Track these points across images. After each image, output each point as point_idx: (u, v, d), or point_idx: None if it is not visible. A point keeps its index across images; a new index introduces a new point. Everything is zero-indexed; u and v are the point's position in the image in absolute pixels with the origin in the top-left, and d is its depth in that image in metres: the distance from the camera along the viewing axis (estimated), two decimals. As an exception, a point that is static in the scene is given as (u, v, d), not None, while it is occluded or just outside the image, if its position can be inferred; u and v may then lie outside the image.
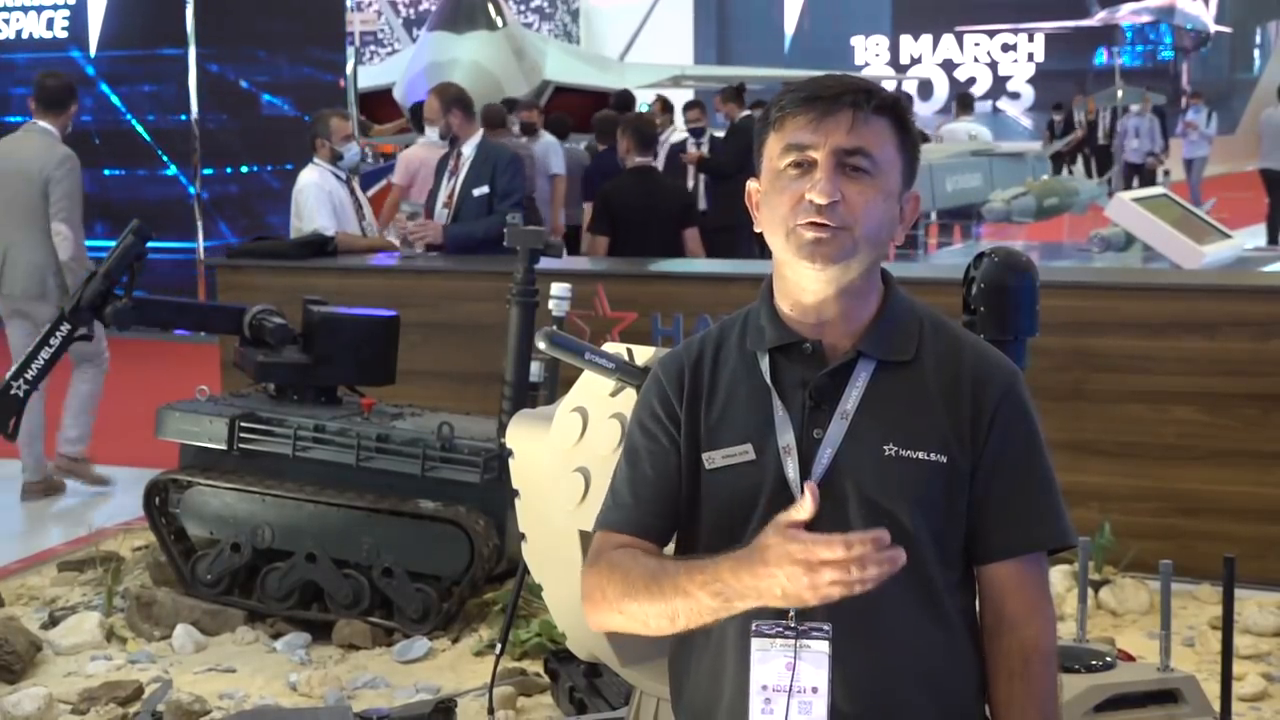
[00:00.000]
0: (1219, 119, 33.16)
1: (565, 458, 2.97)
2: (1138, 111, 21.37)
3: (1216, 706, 3.39)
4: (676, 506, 2.04)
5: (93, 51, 12.28)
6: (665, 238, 7.49)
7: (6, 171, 6.88)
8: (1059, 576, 4.93)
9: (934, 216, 14.72)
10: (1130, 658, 3.56)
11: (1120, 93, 20.28)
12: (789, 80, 2.08)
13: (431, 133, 7.65)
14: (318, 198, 7.25)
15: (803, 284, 1.98)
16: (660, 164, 9.50)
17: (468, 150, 7.16)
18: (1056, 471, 2.02)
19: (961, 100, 19.31)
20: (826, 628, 1.89)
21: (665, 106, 13.87)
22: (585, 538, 2.94)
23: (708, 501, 2.01)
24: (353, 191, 7.52)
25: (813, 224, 1.92)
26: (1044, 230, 15.65)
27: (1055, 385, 5.38)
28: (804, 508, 1.78)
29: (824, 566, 1.73)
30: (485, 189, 7.08)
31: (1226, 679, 3.50)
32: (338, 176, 7.35)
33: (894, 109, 1.97)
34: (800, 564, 1.74)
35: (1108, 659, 3.26)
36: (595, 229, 7.81)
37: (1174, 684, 3.26)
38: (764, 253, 2.04)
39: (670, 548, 2.09)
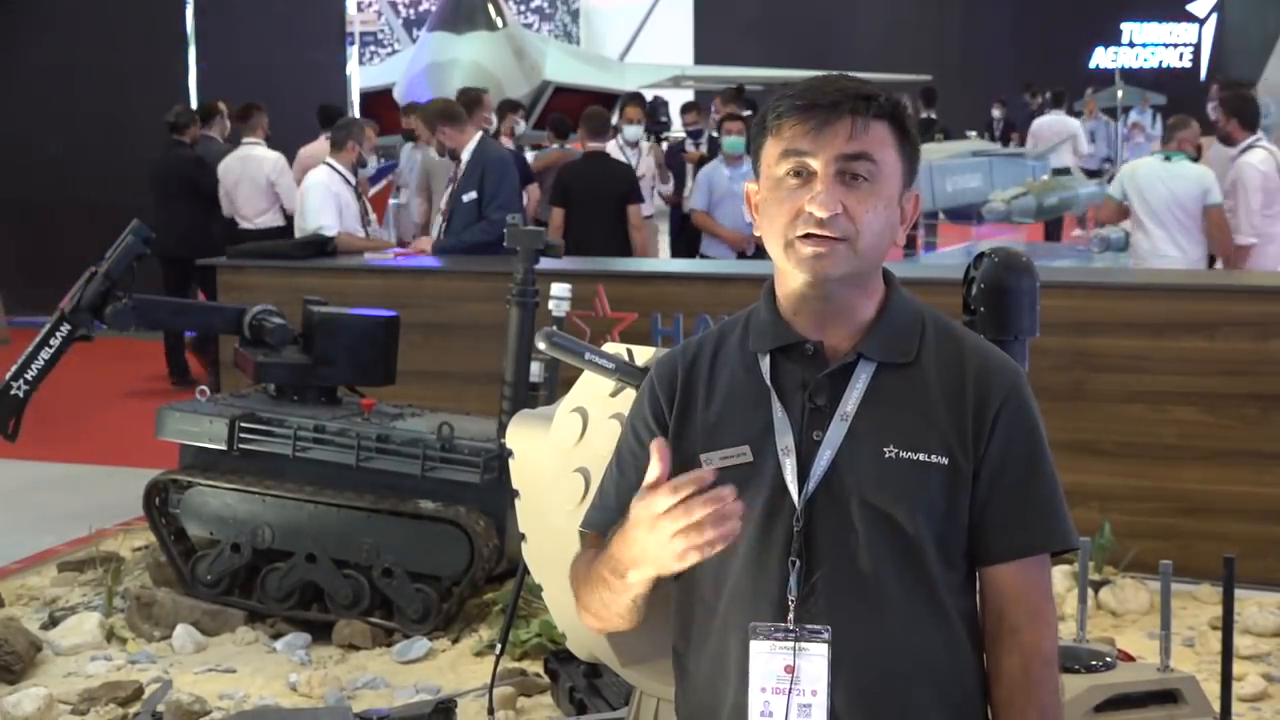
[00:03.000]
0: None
1: (565, 458, 2.97)
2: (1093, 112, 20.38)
3: (1216, 706, 3.39)
4: None
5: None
6: (612, 211, 8.60)
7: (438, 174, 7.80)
8: (1060, 576, 4.92)
9: (941, 216, 14.65)
10: (1130, 658, 3.55)
11: (1120, 93, 20.10)
12: (788, 81, 2.06)
13: (431, 150, 7.73)
14: (323, 198, 7.30)
15: (803, 292, 1.97)
16: (642, 159, 10.61)
17: (465, 156, 7.21)
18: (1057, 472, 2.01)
19: (1055, 97, 18.56)
20: (825, 630, 1.89)
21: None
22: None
23: None
24: (359, 195, 7.57)
25: (812, 237, 1.90)
26: (1044, 230, 15.63)
27: (1055, 385, 5.38)
28: (654, 468, 1.77)
29: (661, 519, 1.73)
30: (474, 194, 7.11)
31: (1226, 679, 3.50)
32: (346, 179, 7.40)
33: (893, 113, 1.95)
34: (645, 522, 1.76)
35: (1108, 659, 3.26)
36: (554, 201, 8.82)
37: (1174, 684, 3.26)
38: (763, 252, 2.02)
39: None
